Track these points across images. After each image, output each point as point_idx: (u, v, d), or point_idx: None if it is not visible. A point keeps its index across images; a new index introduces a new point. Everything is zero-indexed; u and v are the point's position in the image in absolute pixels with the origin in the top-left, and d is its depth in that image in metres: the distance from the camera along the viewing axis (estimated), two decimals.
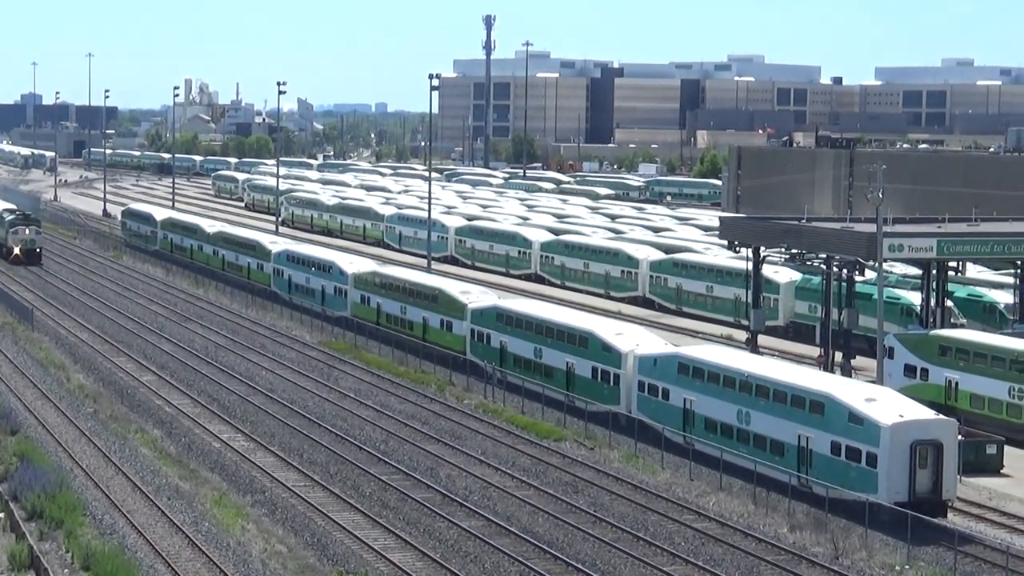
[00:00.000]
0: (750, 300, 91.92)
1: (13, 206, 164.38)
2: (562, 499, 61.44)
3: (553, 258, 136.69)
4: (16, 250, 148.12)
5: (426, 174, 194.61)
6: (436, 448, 70.69)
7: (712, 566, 52.46)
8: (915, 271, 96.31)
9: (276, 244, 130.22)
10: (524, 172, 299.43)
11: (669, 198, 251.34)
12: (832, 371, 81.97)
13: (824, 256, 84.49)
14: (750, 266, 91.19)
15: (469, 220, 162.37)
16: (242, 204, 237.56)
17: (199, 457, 68.65)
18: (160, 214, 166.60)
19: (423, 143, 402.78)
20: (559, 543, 55.15)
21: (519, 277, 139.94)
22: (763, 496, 60.98)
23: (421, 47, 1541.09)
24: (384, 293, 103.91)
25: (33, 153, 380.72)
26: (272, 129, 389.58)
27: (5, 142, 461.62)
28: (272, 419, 77.00)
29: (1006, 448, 67.56)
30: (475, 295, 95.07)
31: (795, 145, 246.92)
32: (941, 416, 61.22)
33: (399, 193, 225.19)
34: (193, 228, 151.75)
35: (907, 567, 52.65)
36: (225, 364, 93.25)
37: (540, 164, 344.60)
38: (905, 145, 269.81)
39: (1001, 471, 66.23)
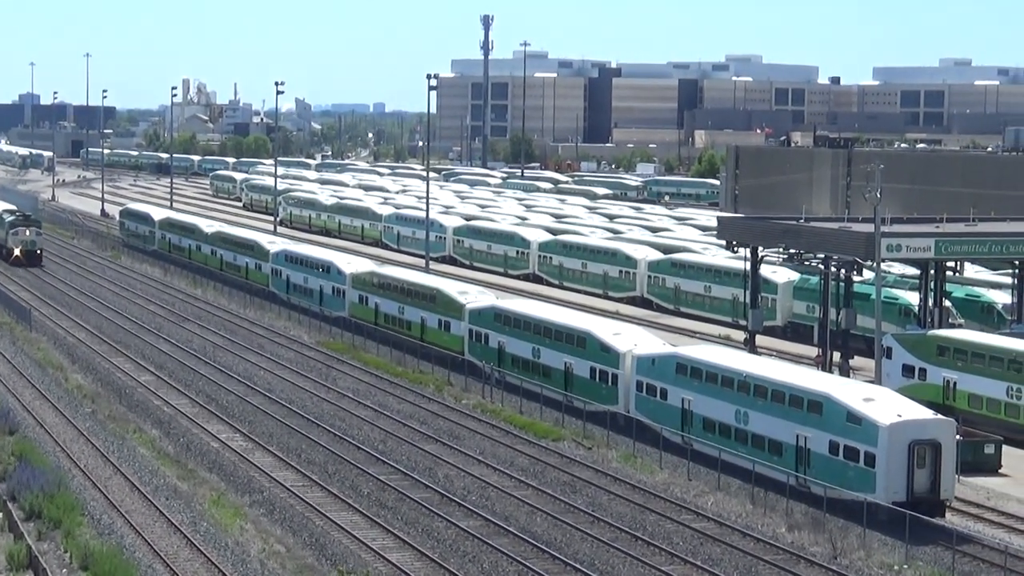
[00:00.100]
0: (748, 300, 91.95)
1: (13, 207, 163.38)
2: (560, 499, 61.44)
3: (551, 258, 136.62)
4: (16, 251, 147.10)
5: (424, 174, 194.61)
6: (434, 448, 70.68)
7: (710, 566, 52.47)
8: (913, 271, 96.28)
9: (274, 244, 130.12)
10: (522, 172, 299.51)
11: (667, 198, 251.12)
12: (830, 371, 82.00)
13: (822, 256, 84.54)
14: (748, 266, 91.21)
15: (467, 220, 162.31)
16: (240, 204, 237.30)
17: (197, 457, 68.62)
18: (158, 214, 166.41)
19: (421, 143, 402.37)
20: (557, 543, 55.15)
21: (517, 277, 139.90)
22: (761, 496, 60.98)
23: (419, 47, 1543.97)
24: (382, 293, 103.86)
25: (31, 153, 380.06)
26: (270, 129, 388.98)
27: (3, 142, 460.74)
28: (270, 419, 76.98)
29: (1004, 448, 67.57)
30: (473, 295, 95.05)
31: (793, 145, 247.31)
32: (939, 416, 61.22)
33: (397, 193, 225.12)
34: (191, 228, 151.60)
35: (905, 567, 52.65)
36: (223, 364, 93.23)
37: (538, 164, 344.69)
38: (903, 145, 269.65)
39: (999, 471, 66.24)
